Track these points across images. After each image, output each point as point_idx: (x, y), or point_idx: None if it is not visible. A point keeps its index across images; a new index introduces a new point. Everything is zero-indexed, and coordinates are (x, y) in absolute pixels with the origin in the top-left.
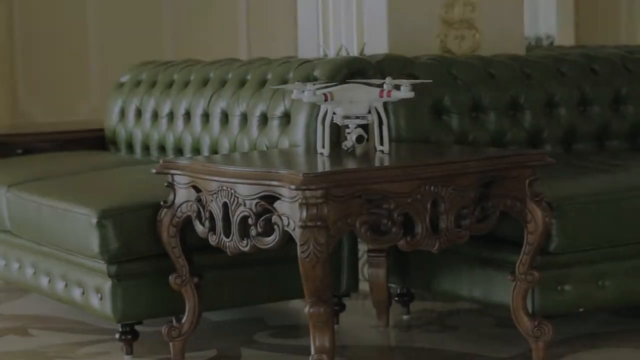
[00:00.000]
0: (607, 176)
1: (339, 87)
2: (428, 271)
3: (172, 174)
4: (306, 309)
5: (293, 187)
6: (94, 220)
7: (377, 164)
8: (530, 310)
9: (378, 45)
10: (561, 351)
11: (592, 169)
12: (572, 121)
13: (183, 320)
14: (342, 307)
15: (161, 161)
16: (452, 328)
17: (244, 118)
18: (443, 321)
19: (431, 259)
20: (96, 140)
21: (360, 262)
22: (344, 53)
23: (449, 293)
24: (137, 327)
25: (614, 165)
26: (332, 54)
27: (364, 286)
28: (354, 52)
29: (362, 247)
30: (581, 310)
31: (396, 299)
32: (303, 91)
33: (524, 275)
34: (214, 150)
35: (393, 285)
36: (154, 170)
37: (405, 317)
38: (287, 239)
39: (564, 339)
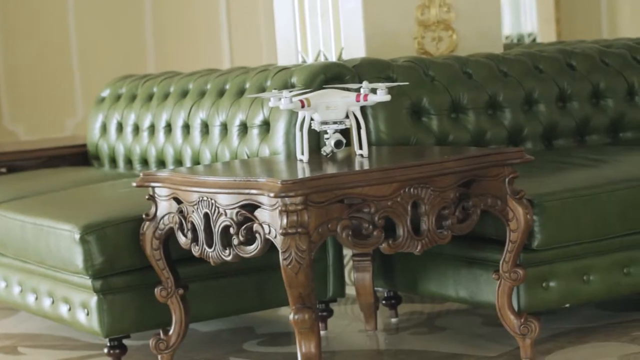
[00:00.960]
0: (588, 171)
1: (316, 93)
2: (414, 273)
3: (153, 187)
4: (291, 316)
5: (272, 194)
6: (77, 236)
7: (356, 168)
8: (516, 308)
9: (356, 50)
10: (549, 347)
11: (573, 165)
12: (552, 117)
13: (170, 332)
14: (330, 313)
15: (141, 174)
16: (440, 329)
17: (224, 128)
18: (431, 322)
19: (416, 261)
20: (79, 156)
21: (347, 268)
22: (322, 59)
23: (436, 294)
24: (125, 341)
25: (595, 159)
26: (310, 60)
27: (350, 291)
28: (333, 58)
29: (348, 252)
30: (567, 305)
31: (383, 302)
32: (280, 99)
33: (508, 274)
34: (196, 161)
35: (380, 289)
36: (134, 184)
37: (393, 320)
38: (270, 247)
39: (552, 335)
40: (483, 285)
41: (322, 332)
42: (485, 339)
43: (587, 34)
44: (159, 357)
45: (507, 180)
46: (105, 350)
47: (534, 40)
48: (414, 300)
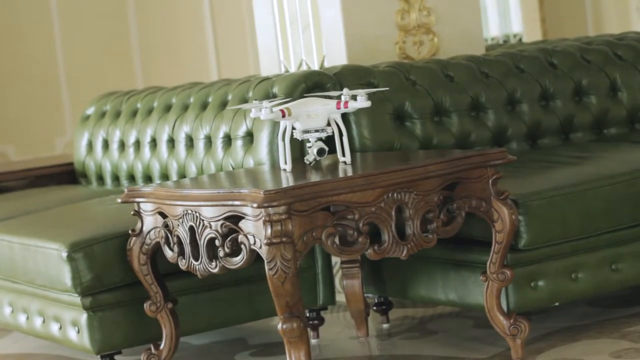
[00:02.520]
0: (573, 169)
1: (296, 102)
2: (402, 278)
3: (138, 202)
4: (279, 326)
5: (255, 205)
6: (64, 254)
7: (339, 175)
8: (505, 309)
9: (337, 57)
10: (540, 347)
11: (558, 163)
12: (535, 117)
13: (161, 346)
14: (321, 321)
15: (126, 190)
16: (432, 333)
17: (209, 140)
18: (423, 327)
19: (404, 266)
20: (67, 175)
21: (336, 275)
22: (304, 67)
23: (425, 298)
24: (117, 357)
25: (579, 157)
26: (293, 69)
27: (341, 298)
28: (315, 66)
29: (337, 260)
30: (557, 304)
31: (374, 308)
32: (260, 109)
33: (496, 275)
34: (182, 175)
35: (370, 295)
36: (119, 200)
37: (384, 325)
38: (257, 257)
39: (542, 335)
40: (471, 287)
41: (314, 341)
42: (477, 341)
43: (572, 33)
44: None
45: (490, 181)
46: None
47: (520, 40)
48: (405, 305)
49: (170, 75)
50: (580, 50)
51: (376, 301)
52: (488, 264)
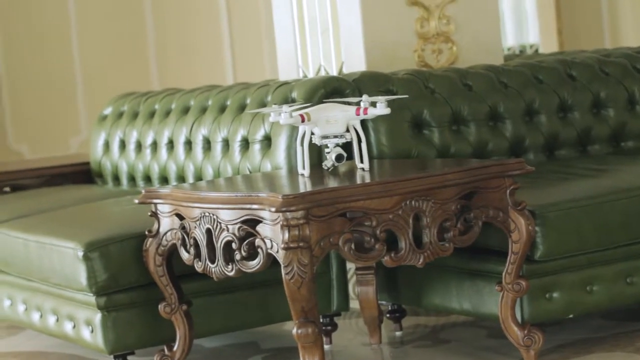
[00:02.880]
0: (590, 181)
1: (316, 107)
2: (417, 286)
3: (155, 203)
4: (294, 330)
5: (273, 209)
6: (80, 254)
7: (357, 181)
8: (519, 320)
9: (356, 63)
10: (553, 358)
11: (575, 175)
12: (553, 128)
13: (175, 348)
14: (334, 327)
15: (143, 191)
16: (445, 342)
17: (226, 143)
18: (436, 335)
19: (419, 274)
20: (83, 174)
21: (350, 281)
22: (323, 73)
23: (439, 307)
24: (130, 358)
25: (597, 169)
26: (311, 74)
27: (354, 305)
28: (333, 72)
29: (351, 266)
30: (571, 316)
31: (388, 315)
32: (280, 114)
33: (511, 285)
34: (199, 177)
35: (384, 302)
36: (136, 201)
37: (397, 333)
38: (272, 262)
39: (556, 347)
40: (486, 297)
41: (326, 346)
42: (490, 351)
43: (589, 44)
44: None
45: (508, 191)
46: None
47: (537, 51)
48: (418, 313)
49: (186, 76)
50: (599, 63)
51: (389, 308)
52: (504, 274)
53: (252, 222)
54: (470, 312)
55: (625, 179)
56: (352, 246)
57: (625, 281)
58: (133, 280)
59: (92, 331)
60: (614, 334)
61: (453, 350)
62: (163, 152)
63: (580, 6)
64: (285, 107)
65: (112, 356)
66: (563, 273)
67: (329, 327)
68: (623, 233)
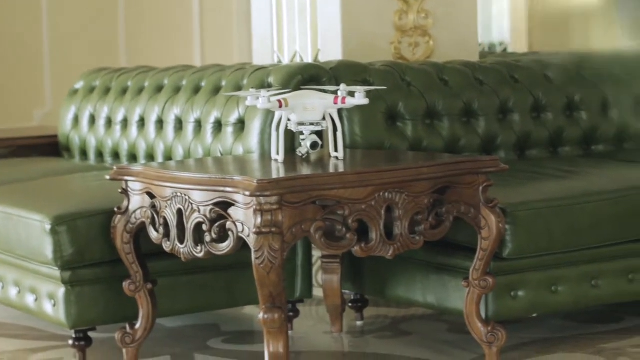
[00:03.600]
0: (561, 182)
1: (294, 93)
2: (382, 277)
3: (126, 181)
4: (260, 315)
5: (248, 193)
6: (48, 227)
7: (331, 170)
8: (483, 316)
9: (332, 52)
10: (514, 356)
11: (546, 175)
12: (526, 128)
13: (137, 326)
14: (297, 313)
15: (115, 167)
16: (405, 334)
17: (199, 125)
18: (396, 327)
19: (385, 265)
20: (50, 147)
21: (315, 269)
22: (298, 59)
23: (403, 299)
24: (91, 334)
25: (567, 171)
26: (286, 60)
27: (318, 292)
28: (309, 59)
29: (316, 254)
30: (535, 315)
31: (350, 305)
32: (257, 98)
33: (478, 281)
34: (168, 157)
35: (347, 291)
36: (107, 177)
37: (358, 323)
38: (242, 245)
39: (518, 345)
40: (451, 291)
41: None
42: (451, 345)
43: (557, 46)
44: (124, 350)
45: (481, 188)
46: (70, 342)
47: (505, 49)
48: (379, 304)
49: (154, 55)
50: (576, 66)
51: (352, 298)
52: (471, 270)
53: (224, 205)
54: (434, 306)
55: (596, 182)
56: (323, 234)
57: (590, 283)
58: (99, 256)
59: (54, 305)
60: (575, 335)
61: (414, 343)
62: (133, 129)
63: (551, 7)
64: (263, 92)
65: (73, 331)
66: (530, 272)
67: (291, 314)
68: (591, 236)
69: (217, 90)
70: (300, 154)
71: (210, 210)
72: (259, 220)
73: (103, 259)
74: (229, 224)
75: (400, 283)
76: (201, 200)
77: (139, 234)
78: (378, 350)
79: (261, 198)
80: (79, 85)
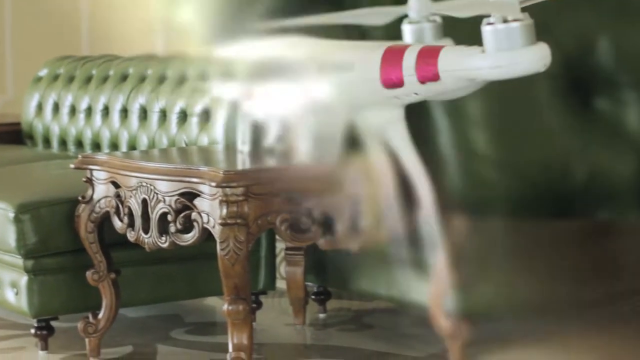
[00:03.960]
0: None
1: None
2: (346, 270)
3: (91, 169)
4: (225, 307)
5: (214, 184)
6: (11, 215)
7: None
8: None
9: None
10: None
11: None
12: None
13: (99, 316)
14: (259, 305)
15: (80, 156)
16: (368, 327)
17: (163, 114)
18: (359, 320)
19: (349, 258)
20: (12, 135)
21: (278, 260)
22: None
23: (367, 292)
24: (53, 323)
25: None
26: None
27: (281, 284)
28: None
29: (280, 245)
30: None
31: (313, 297)
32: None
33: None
34: (133, 146)
35: (310, 283)
36: (72, 166)
37: (321, 315)
38: (207, 236)
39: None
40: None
41: None
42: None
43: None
44: (87, 340)
45: None
46: (32, 331)
47: None
48: (341, 296)
49: (116, 43)
50: None
51: (315, 290)
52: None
53: (190, 195)
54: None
55: None
56: (289, 226)
57: None
58: (62, 245)
59: (16, 294)
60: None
61: (377, 336)
62: (97, 118)
63: None
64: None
65: (35, 320)
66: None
67: (254, 305)
68: None
69: (182, 79)
70: (265, 146)
71: (176, 200)
72: (224, 211)
73: (66, 248)
74: (194, 215)
75: (364, 276)
76: (166, 190)
77: (103, 223)
78: (341, 343)
79: (227, 189)
80: (43, 72)
